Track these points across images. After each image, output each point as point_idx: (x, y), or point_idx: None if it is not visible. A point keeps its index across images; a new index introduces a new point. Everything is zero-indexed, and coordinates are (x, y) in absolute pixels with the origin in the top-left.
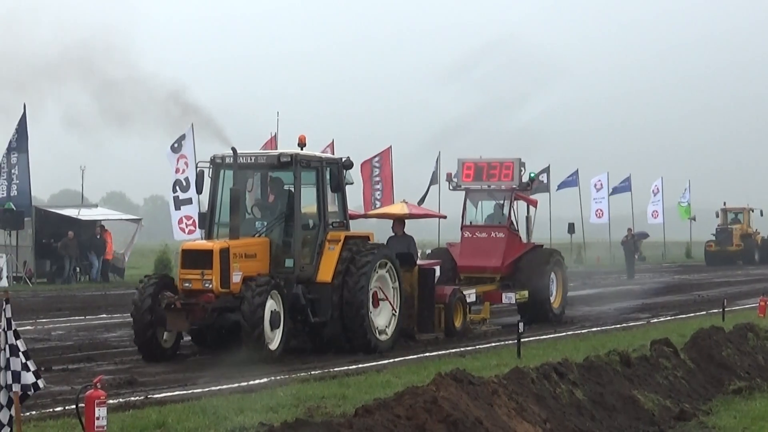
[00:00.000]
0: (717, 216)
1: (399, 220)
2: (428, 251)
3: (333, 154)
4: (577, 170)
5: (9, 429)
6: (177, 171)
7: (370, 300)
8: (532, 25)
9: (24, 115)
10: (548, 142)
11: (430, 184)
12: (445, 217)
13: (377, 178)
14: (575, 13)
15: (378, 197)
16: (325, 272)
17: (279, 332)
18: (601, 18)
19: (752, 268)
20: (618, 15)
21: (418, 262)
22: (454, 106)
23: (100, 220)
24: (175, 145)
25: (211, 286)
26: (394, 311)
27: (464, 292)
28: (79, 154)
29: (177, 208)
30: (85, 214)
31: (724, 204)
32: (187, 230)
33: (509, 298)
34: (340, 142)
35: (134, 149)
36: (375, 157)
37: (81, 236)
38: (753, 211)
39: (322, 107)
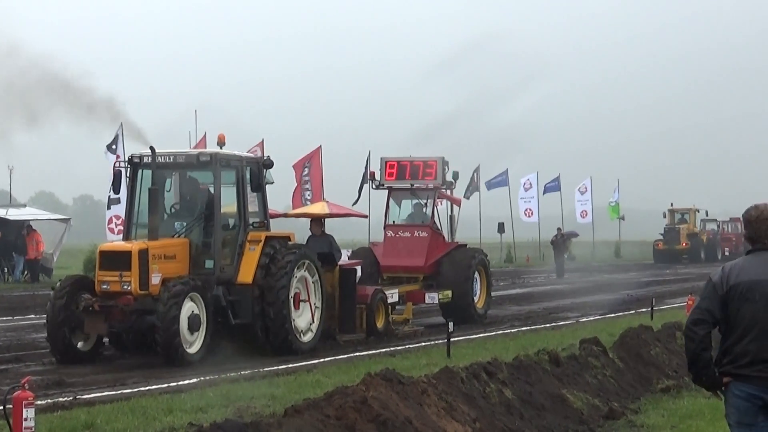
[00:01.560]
0: (664, 216)
1: (317, 220)
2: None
3: (263, 153)
4: (507, 170)
5: None
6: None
7: (291, 301)
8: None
9: None
10: (478, 142)
11: (362, 183)
12: (366, 217)
13: (306, 178)
14: (515, 14)
15: (308, 197)
16: (246, 273)
17: (200, 335)
18: (530, 19)
19: (681, 267)
20: (546, 15)
21: (339, 262)
22: (370, 114)
23: (29, 220)
24: (113, 146)
25: (129, 288)
26: (315, 312)
27: (387, 292)
28: (8, 152)
29: (108, 207)
30: (14, 214)
31: (671, 205)
32: (116, 230)
33: (432, 298)
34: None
35: (63, 149)
36: (305, 157)
37: (9, 236)
38: (698, 211)
39: (258, 105)
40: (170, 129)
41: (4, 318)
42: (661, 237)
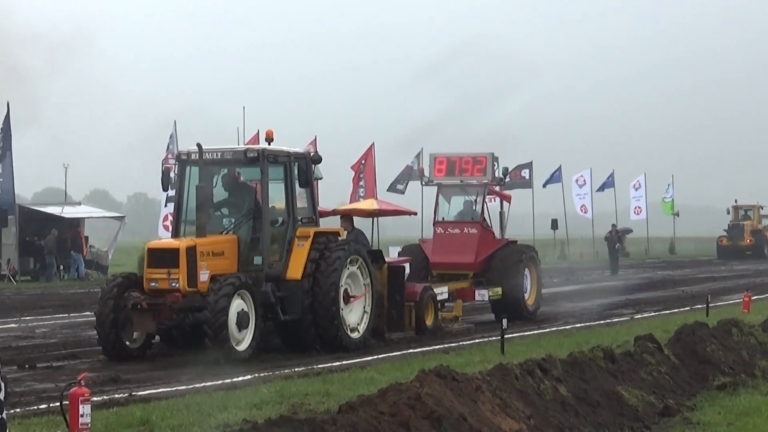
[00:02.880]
0: (728, 213)
1: (346, 217)
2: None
3: (316, 150)
4: (561, 166)
5: None
6: None
7: (341, 297)
8: (504, 19)
9: (8, 114)
10: (530, 138)
11: (403, 179)
12: (415, 214)
13: (361, 175)
14: (547, 6)
15: (361, 194)
16: (295, 269)
17: (248, 332)
18: (573, 9)
19: (737, 263)
20: (590, 5)
21: (387, 259)
22: (428, 103)
23: (83, 218)
24: (169, 144)
25: (178, 285)
26: (365, 308)
27: (436, 290)
28: (63, 151)
29: (166, 205)
30: (69, 212)
31: (735, 201)
32: (170, 228)
33: (482, 295)
34: (320, 137)
35: (117, 147)
36: (363, 157)
37: (64, 234)
38: (762, 208)
39: (297, 102)
40: (218, 127)
41: (60, 315)
42: (725, 233)
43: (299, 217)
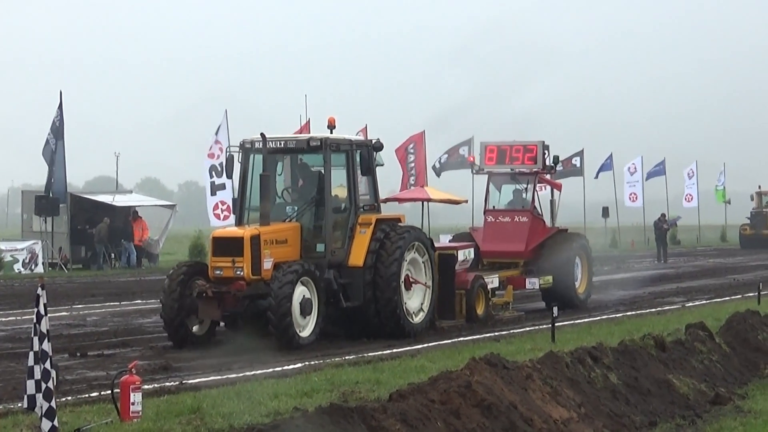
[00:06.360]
0: (752, 199)
1: None
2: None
3: (366, 137)
4: (612, 154)
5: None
6: (211, 156)
7: (402, 283)
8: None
9: (60, 102)
10: (581, 126)
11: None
12: (465, 202)
13: (412, 164)
14: None
15: (412, 182)
16: (357, 256)
17: (311, 319)
18: None
19: None
20: None
21: (437, 245)
22: (455, 89)
23: (135, 206)
24: (216, 132)
25: (242, 273)
26: (426, 295)
27: (487, 278)
28: (114, 139)
29: (213, 193)
30: (120, 201)
31: (759, 187)
32: (222, 216)
33: (533, 283)
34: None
35: (169, 136)
36: (409, 142)
37: (115, 222)
38: None
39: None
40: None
41: (112, 303)
42: (748, 221)
43: (361, 204)
